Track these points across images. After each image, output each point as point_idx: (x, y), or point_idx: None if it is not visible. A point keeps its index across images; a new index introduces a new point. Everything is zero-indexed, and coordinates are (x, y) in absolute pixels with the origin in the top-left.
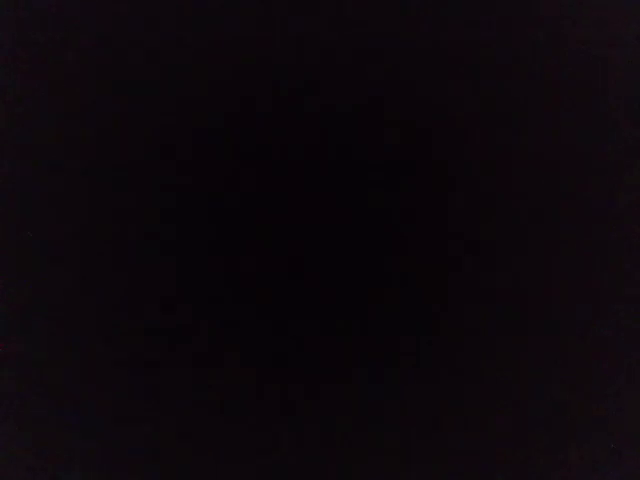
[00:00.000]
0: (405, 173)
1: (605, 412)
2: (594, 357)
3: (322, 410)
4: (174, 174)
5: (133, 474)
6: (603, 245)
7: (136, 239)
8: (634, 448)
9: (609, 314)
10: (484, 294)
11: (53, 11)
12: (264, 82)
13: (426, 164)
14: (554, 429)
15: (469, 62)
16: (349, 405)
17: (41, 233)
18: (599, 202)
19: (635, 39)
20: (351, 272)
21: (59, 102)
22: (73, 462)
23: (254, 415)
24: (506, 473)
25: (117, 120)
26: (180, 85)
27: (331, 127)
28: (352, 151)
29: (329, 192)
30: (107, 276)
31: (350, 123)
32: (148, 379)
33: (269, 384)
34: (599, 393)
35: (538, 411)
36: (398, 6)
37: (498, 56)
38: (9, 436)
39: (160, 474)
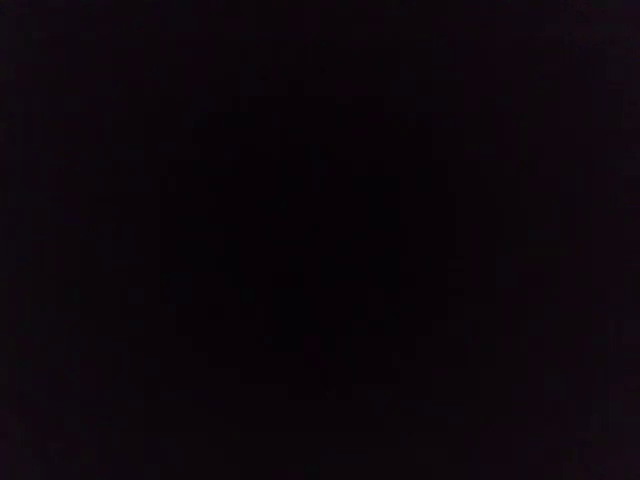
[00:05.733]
0: (405, 174)
1: (605, 412)
2: (594, 357)
3: (322, 410)
4: (174, 174)
5: (132, 473)
6: (603, 245)
7: (136, 239)
8: (634, 448)
9: (609, 314)
10: (484, 294)
11: (53, 11)
12: (264, 82)
13: (426, 164)
14: (553, 430)
15: (470, 63)
16: (349, 405)
17: (41, 233)
18: (599, 202)
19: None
20: (351, 272)
21: (58, 103)
22: (73, 460)
23: (253, 416)
24: (505, 473)
25: (116, 120)
26: (180, 85)
27: (331, 127)
28: (352, 151)
29: (329, 192)
30: (107, 275)
31: (350, 123)
32: (148, 379)
33: (269, 384)
34: (599, 393)
35: (538, 411)
36: (398, 6)
37: (499, 55)
38: (9, 436)
39: (159, 474)
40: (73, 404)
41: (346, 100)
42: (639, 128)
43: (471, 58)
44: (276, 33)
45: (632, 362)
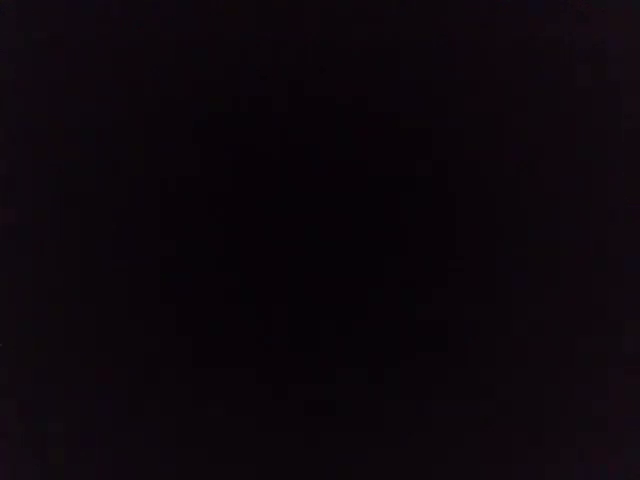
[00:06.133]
0: (405, 173)
1: (605, 412)
2: (594, 357)
3: (321, 410)
4: (174, 174)
5: (133, 473)
6: (603, 245)
7: (135, 239)
8: (634, 447)
9: (609, 315)
10: (484, 294)
11: (53, 11)
12: (264, 82)
13: (426, 164)
14: (553, 429)
15: (470, 63)
16: (349, 405)
17: (41, 233)
18: (599, 202)
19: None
20: (351, 272)
21: (58, 103)
22: (73, 460)
23: (254, 416)
24: (505, 473)
25: (116, 120)
26: (180, 85)
27: (331, 127)
28: (351, 151)
29: (329, 192)
30: (107, 274)
31: (350, 123)
32: (148, 379)
33: (269, 384)
34: (598, 393)
35: (537, 411)
36: (398, 6)
37: (499, 55)
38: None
39: (160, 474)
40: (73, 404)
41: (346, 100)
42: (639, 128)
43: (471, 58)
44: (276, 33)
45: (632, 362)
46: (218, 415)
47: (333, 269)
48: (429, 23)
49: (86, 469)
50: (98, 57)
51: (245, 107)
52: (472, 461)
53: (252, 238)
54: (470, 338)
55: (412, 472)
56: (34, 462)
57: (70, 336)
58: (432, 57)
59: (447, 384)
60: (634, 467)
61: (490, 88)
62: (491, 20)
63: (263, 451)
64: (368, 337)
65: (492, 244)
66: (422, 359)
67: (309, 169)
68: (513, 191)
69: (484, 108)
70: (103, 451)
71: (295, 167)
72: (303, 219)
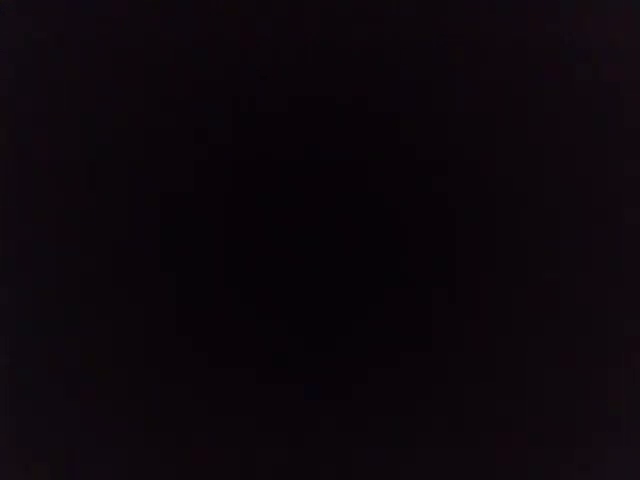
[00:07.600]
0: (405, 173)
1: (605, 412)
2: (594, 358)
3: (322, 410)
4: (174, 175)
5: (132, 473)
6: (603, 245)
7: (135, 240)
8: (634, 446)
9: (609, 314)
10: (484, 295)
11: (53, 11)
12: (264, 82)
13: (426, 164)
14: (554, 430)
15: (470, 63)
16: (349, 405)
17: (40, 234)
18: (599, 202)
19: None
20: (351, 273)
21: (58, 103)
22: (73, 461)
23: (254, 416)
24: (506, 474)
25: (116, 120)
26: (180, 85)
27: (331, 127)
28: (351, 151)
29: (329, 192)
30: (106, 273)
31: (350, 123)
32: (148, 378)
33: (269, 384)
34: (599, 393)
35: (537, 412)
36: (398, 6)
37: (499, 55)
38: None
39: (161, 474)
40: (73, 404)
41: (346, 100)
42: (639, 128)
43: (471, 58)
44: (276, 33)
45: (632, 362)
46: (217, 415)
47: (333, 269)
48: (429, 23)
49: (86, 469)
50: (98, 57)
51: (245, 107)
52: (472, 461)
53: (251, 238)
54: (470, 339)
55: (412, 472)
56: (34, 462)
57: (69, 336)
58: (432, 57)
59: (447, 384)
60: (634, 467)
61: (490, 88)
62: (491, 20)
63: (261, 451)
64: (367, 337)
65: (492, 244)
66: (421, 359)
67: (308, 169)
68: (513, 191)
69: (484, 108)
70: (103, 451)
71: (295, 167)
72: (302, 219)
